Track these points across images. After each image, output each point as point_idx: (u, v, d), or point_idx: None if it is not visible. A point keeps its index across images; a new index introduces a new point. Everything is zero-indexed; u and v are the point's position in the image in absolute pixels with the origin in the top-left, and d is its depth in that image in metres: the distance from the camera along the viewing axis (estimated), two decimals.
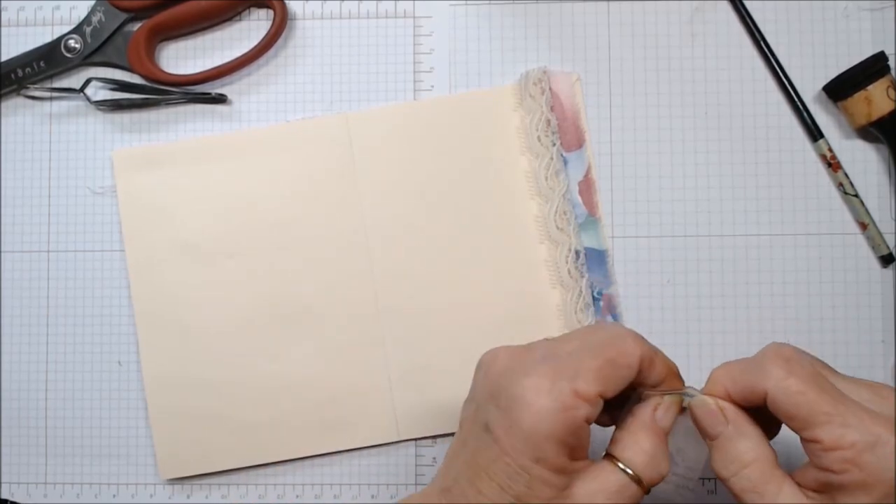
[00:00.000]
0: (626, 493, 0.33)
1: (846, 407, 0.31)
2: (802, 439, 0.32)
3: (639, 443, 0.33)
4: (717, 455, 0.33)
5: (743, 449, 0.33)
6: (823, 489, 0.32)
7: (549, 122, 0.49)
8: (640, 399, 0.35)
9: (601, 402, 0.33)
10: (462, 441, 0.35)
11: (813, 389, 0.31)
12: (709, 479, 0.48)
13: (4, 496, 0.50)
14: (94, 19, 0.50)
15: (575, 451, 0.33)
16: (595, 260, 0.49)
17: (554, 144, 0.49)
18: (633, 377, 0.33)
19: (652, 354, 0.34)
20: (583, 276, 0.48)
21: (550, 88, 0.49)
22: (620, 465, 0.33)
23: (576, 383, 0.32)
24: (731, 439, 0.33)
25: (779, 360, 0.32)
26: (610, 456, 0.34)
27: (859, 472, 0.30)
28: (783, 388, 0.32)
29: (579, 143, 0.49)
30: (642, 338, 0.34)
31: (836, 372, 0.34)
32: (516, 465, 0.32)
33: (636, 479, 0.33)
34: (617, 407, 0.35)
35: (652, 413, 0.34)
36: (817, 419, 0.31)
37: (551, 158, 0.49)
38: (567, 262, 0.48)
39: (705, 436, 0.34)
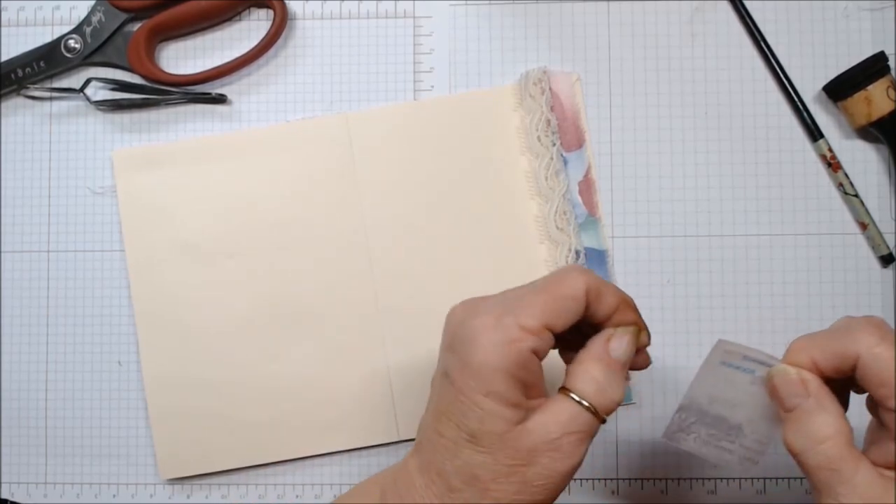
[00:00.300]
0: (578, 422, 0.33)
1: None
2: (888, 409, 0.31)
3: (589, 372, 0.34)
4: (792, 428, 0.32)
5: (822, 423, 0.32)
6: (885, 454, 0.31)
7: (549, 122, 0.49)
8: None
9: (550, 336, 0.33)
10: (429, 398, 0.36)
11: None
12: (708, 478, 0.48)
13: (4, 496, 0.50)
14: (94, 19, 0.50)
15: (529, 388, 0.33)
16: (595, 260, 0.49)
17: (554, 144, 0.49)
18: (580, 309, 0.34)
19: (599, 285, 0.34)
20: None
21: (550, 88, 0.49)
22: (573, 396, 0.33)
23: (520, 317, 0.33)
24: (811, 412, 0.32)
25: (870, 326, 0.32)
26: (563, 389, 0.34)
27: None
28: (876, 353, 0.31)
29: (579, 143, 0.49)
30: (590, 271, 0.34)
31: None
32: (469, 401, 0.32)
33: (590, 410, 0.33)
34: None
35: (604, 344, 0.34)
36: None
37: (551, 158, 0.49)
38: (567, 262, 0.48)
39: (782, 407, 0.33)
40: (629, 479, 0.48)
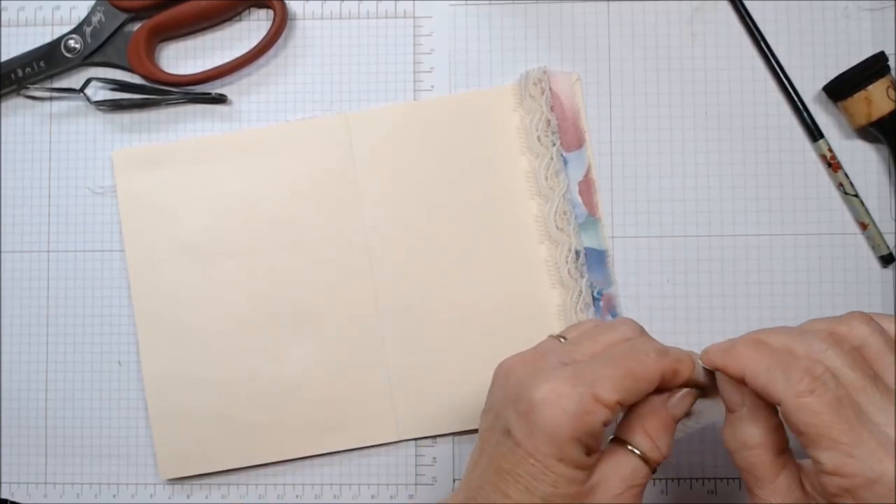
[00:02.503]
0: (639, 475, 0.34)
1: (860, 436, 0.30)
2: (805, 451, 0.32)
3: (646, 426, 0.35)
4: (728, 428, 0.34)
5: (750, 433, 0.34)
6: (822, 497, 0.32)
7: (549, 122, 0.49)
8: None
9: (619, 410, 0.34)
10: (481, 450, 0.36)
11: (831, 412, 0.30)
12: (708, 478, 0.48)
13: (4, 496, 0.50)
14: (94, 19, 0.50)
15: (591, 449, 0.34)
16: (595, 260, 0.49)
17: (554, 144, 0.49)
18: (652, 389, 0.35)
19: (674, 366, 0.35)
20: (583, 277, 0.48)
21: (550, 88, 0.49)
22: (630, 448, 0.35)
23: (595, 389, 0.33)
24: (743, 420, 0.34)
25: (807, 375, 0.31)
26: (619, 440, 0.35)
27: (853, 502, 0.30)
28: (798, 404, 0.31)
29: (579, 143, 0.49)
30: (665, 350, 0.35)
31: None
32: (541, 465, 0.33)
33: (644, 460, 0.34)
34: None
35: (665, 400, 0.36)
36: (823, 442, 0.30)
37: (551, 158, 0.49)
38: (567, 262, 0.48)
39: (726, 406, 0.35)
40: None
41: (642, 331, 0.37)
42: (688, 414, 0.37)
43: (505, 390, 0.36)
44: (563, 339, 0.38)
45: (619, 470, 0.34)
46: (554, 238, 0.49)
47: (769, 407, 0.34)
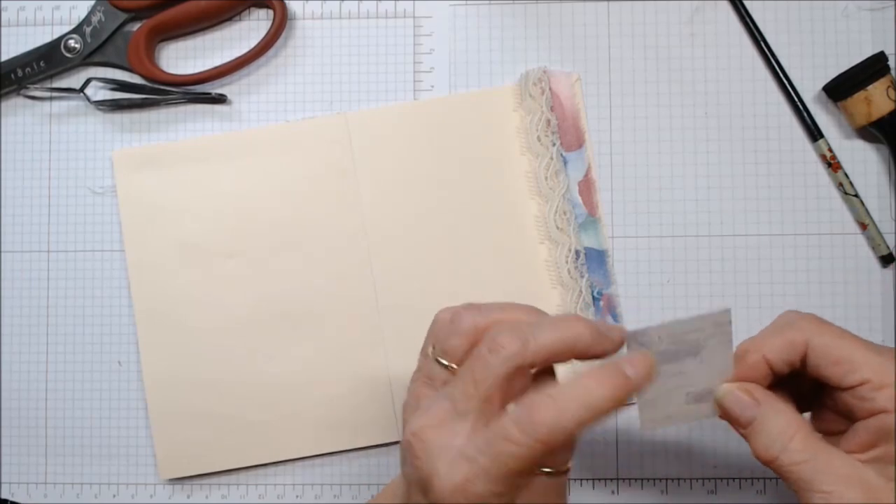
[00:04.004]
0: (551, 490, 0.32)
1: (880, 349, 0.31)
2: (846, 389, 0.31)
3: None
4: (757, 439, 0.32)
5: (783, 423, 0.32)
6: (873, 443, 0.31)
7: (549, 122, 0.49)
8: None
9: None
10: (401, 479, 0.34)
11: (847, 335, 0.32)
12: (708, 478, 0.48)
13: (4, 496, 0.50)
14: (94, 19, 0.50)
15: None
16: (595, 260, 0.49)
17: (554, 144, 0.49)
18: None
19: (597, 333, 0.31)
20: (583, 277, 0.48)
21: (550, 88, 0.49)
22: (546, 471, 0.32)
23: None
24: (768, 418, 0.32)
25: (809, 318, 0.33)
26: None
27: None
28: (822, 337, 0.32)
29: (579, 143, 0.49)
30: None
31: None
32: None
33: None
34: None
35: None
36: (860, 360, 0.31)
37: (551, 158, 0.49)
38: (567, 262, 0.48)
39: (739, 425, 0.33)
40: (629, 479, 0.48)
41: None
42: (700, 398, 0.34)
43: (412, 468, 0.32)
44: (442, 363, 0.34)
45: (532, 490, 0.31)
46: (554, 238, 0.49)
47: (779, 397, 0.33)
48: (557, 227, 0.49)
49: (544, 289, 0.49)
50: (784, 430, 0.32)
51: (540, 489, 0.31)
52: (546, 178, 0.49)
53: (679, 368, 0.33)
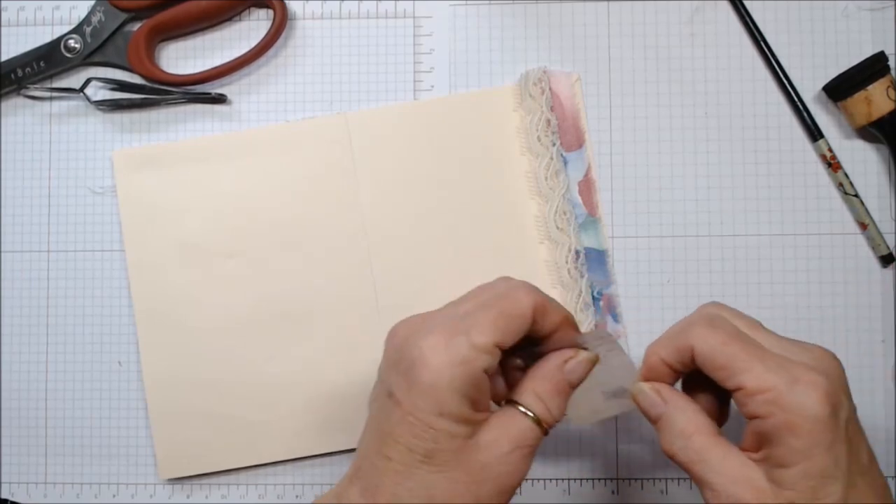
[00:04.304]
0: (528, 436, 0.34)
1: (766, 355, 0.33)
2: (731, 392, 0.33)
3: (539, 390, 0.35)
4: (662, 434, 0.35)
5: (683, 422, 0.34)
6: (760, 444, 0.33)
7: (549, 122, 0.49)
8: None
9: (498, 353, 0.34)
10: (367, 421, 0.36)
11: (735, 342, 0.33)
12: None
13: (4, 496, 0.50)
14: (94, 19, 0.50)
15: (476, 403, 0.34)
16: (595, 260, 0.49)
17: (554, 144, 0.49)
18: (527, 326, 0.35)
19: (545, 302, 0.35)
20: (583, 276, 0.48)
21: (550, 88, 0.49)
22: (521, 409, 0.34)
23: (471, 336, 0.33)
24: (672, 416, 0.35)
25: (703, 319, 0.34)
26: (511, 402, 0.35)
27: (783, 412, 0.31)
28: (707, 342, 0.34)
29: (579, 143, 0.49)
30: (535, 288, 0.36)
31: (769, 331, 0.35)
32: (421, 422, 0.33)
33: (536, 422, 0.34)
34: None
35: (561, 365, 0.36)
36: (740, 366, 0.33)
37: (551, 158, 0.49)
38: (567, 262, 0.48)
39: (650, 420, 0.36)
40: (629, 479, 0.48)
41: (522, 281, 0.37)
42: (615, 395, 0.38)
43: (388, 353, 0.35)
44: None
45: (507, 430, 0.34)
46: (554, 238, 0.49)
47: (688, 398, 0.36)
48: (557, 227, 0.49)
49: (544, 288, 0.49)
50: (684, 428, 0.34)
51: (511, 431, 0.34)
52: (546, 178, 0.49)
53: (591, 372, 0.37)
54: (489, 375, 0.34)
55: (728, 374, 0.33)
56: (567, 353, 0.36)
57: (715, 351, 0.34)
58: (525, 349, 0.37)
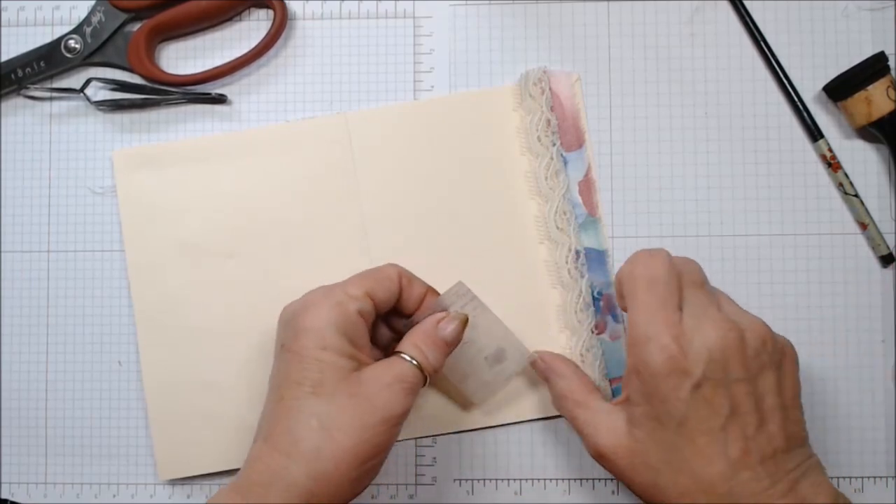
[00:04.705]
0: (408, 374, 0.40)
1: (657, 311, 0.37)
2: None
3: (417, 343, 0.41)
4: (551, 397, 0.44)
5: (560, 386, 0.43)
6: (626, 380, 0.39)
7: (549, 121, 0.49)
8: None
9: (370, 302, 0.41)
10: (269, 382, 0.41)
11: (643, 283, 0.38)
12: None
13: (4, 496, 0.50)
14: (94, 19, 0.50)
15: (355, 343, 0.40)
16: (595, 260, 0.49)
17: (554, 144, 0.49)
18: (396, 289, 0.42)
19: (409, 274, 0.43)
20: (583, 277, 0.48)
21: (550, 88, 0.49)
22: (403, 356, 0.40)
23: (345, 287, 0.41)
24: (553, 382, 0.44)
25: (639, 261, 0.39)
26: (395, 353, 0.41)
27: (634, 358, 0.38)
28: (625, 272, 0.39)
29: (579, 143, 0.49)
30: (401, 267, 0.43)
31: (715, 300, 0.39)
32: (308, 357, 0.38)
33: (417, 367, 0.40)
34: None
35: (434, 323, 0.42)
36: (630, 305, 0.38)
37: (551, 158, 0.49)
38: (567, 263, 0.48)
39: (545, 381, 0.45)
40: None
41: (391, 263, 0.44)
42: (497, 359, 0.45)
43: (279, 324, 0.42)
44: None
45: (391, 367, 0.40)
46: (554, 238, 0.49)
47: (569, 363, 0.44)
48: (557, 227, 0.49)
49: (544, 289, 0.49)
50: (561, 391, 0.43)
51: (393, 368, 0.39)
52: (546, 178, 0.49)
53: (464, 338, 0.43)
54: (365, 320, 0.40)
55: (623, 304, 0.40)
56: (440, 314, 0.42)
57: (624, 280, 0.39)
58: (399, 323, 0.44)
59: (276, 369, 0.40)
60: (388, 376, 0.39)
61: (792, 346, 0.39)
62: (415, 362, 0.40)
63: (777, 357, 0.38)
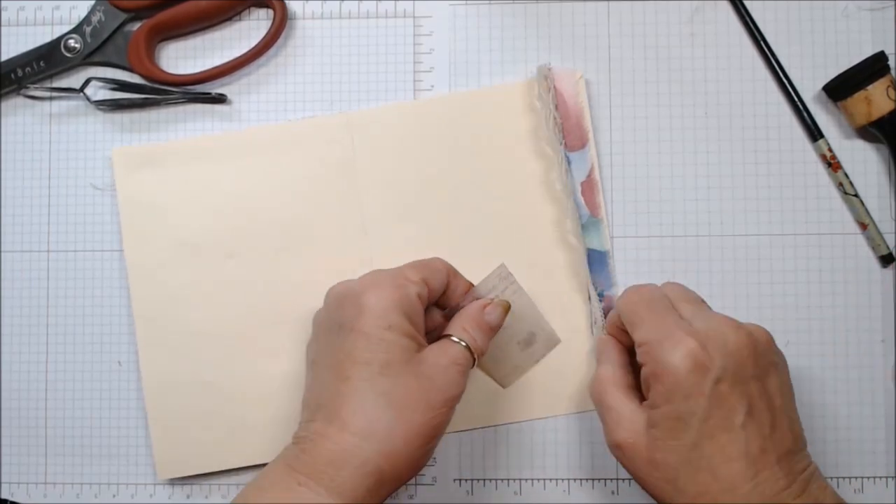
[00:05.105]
0: (460, 357, 0.41)
1: (660, 317, 0.39)
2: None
3: (465, 327, 0.42)
4: (592, 383, 0.43)
5: (602, 371, 0.42)
6: (646, 390, 0.39)
7: (554, 119, 0.48)
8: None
9: (426, 288, 0.42)
10: (313, 363, 0.42)
11: (642, 304, 0.40)
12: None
13: (4, 496, 0.50)
14: (94, 19, 0.50)
15: (415, 324, 0.40)
16: (597, 261, 0.49)
17: (560, 143, 0.48)
18: (445, 279, 0.43)
19: (455, 270, 0.44)
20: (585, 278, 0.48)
21: (555, 86, 0.49)
22: (453, 339, 0.41)
23: (403, 272, 0.42)
24: (600, 365, 0.43)
25: (634, 288, 0.42)
26: (445, 336, 0.42)
27: (653, 363, 0.38)
28: (622, 303, 0.42)
29: (582, 143, 0.49)
30: (446, 261, 0.45)
31: (703, 308, 0.41)
32: (375, 336, 0.39)
33: (466, 348, 0.41)
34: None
35: (480, 309, 0.43)
36: (636, 322, 0.40)
37: (561, 159, 0.49)
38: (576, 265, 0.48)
39: (597, 362, 0.45)
40: (629, 479, 0.48)
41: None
42: (528, 343, 0.47)
43: (327, 307, 0.42)
44: None
45: (445, 350, 0.41)
46: (556, 238, 0.49)
47: (621, 354, 0.43)
48: (560, 228, 0.49)
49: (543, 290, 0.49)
50: (601, 378, 0.42)
51: (448, 351, 0.41)
52: (550, 178, 0.49)
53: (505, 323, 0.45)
54: (422, 304, 0.41)
55: (631, 329, 0.41)
56: (484, 300, 0.44)
57: (624, 309, 0.41)
58: (436, 314, 0.45)
59: (335, 348, 0.40)
60: (444, 358, 0.40)
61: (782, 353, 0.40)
62: (464, 344, 0.41)
63: (778, 360, 0.39)
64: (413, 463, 0.39)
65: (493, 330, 0.43)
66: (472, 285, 0.45)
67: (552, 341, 0.48)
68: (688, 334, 0.37)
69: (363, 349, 0.39)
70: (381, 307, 0.39)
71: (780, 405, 0.38)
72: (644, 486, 0.39)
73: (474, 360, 0.42)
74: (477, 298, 0.44)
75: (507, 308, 0.44)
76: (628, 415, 0.39)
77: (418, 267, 0.42)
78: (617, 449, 0.40)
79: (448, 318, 0.44)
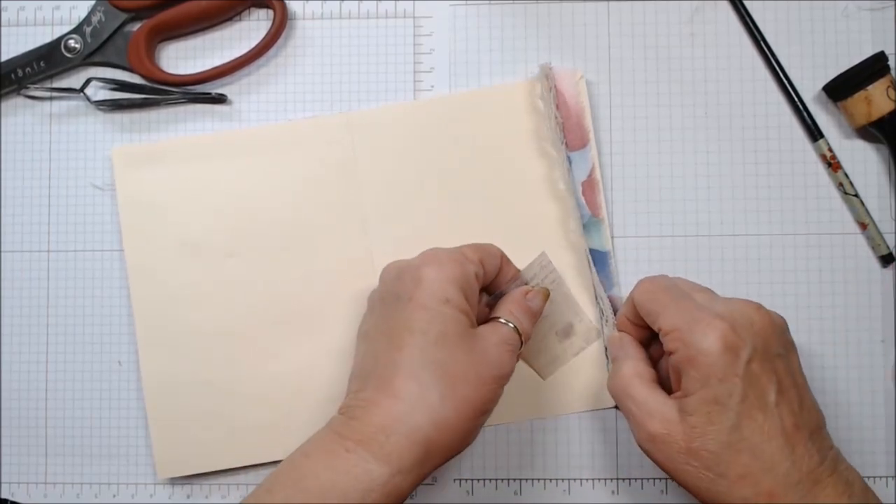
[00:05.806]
0: (510, 337, 0.41)
1: (682, 303, 0.40)
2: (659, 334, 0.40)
3: (511, 310, 0.43)
4: (611, 374, 0.43)
5: (626, 367, 0.42)
6: (677, 379, 0.39)
7: (556, 118, 0.48)
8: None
9: (482, 267, 0.42)
10: (365, 335, 0.42)
11: (661, 291, 0.41)
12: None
13: (4, 496, 0.50)
14: (94, 19, 0.50)
15: (471, 302, 0.41)
16: (598, 261, 0.49)
17: (562, 142, 0.48)
18: (498, 263, 0.44)
19: (507, 257, 0.45)
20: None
21: (555, 86, 0.49)
22: (502, 320, 0.42)
23: (462, 250, 0.42)
24: (620, 360, 0.43)
25: (648, 279, 0.43)
26: (494, 318, 0.43)
27: (685, 348, 0.38)
28: (640, 292, 0.42)
29: (583, 143, 0.49)
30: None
31: (713, 295, 0.41)
32: (433, 308, 0.39)
33: (516, 330, 0.42)
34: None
35: (523, 295, 0.44)
36: (658, 310, 0.40)
37: (557, 157, 0.49)
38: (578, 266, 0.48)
39: (611, 356, 0.45)
40: (629, 479, 0.48)
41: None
42: (566, 334, 0.48)
43: (385, 281, 0.43)
44: None
45: (496, 330, 0.41)
46: (558, 238, 0.49)
47: (640, 348, 0.43)
48: (562, 228, 0.49)
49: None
50: (625, 372, 0.41)
51: (499, 331, 0.41)
52: (552, 178, 0.49)
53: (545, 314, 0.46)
54: (478, 284, 0.42)
55: (652, 319, 0.41)
56: (526, 287, 0.45)
57: (643, 298, 0.42)
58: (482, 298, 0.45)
59: (393, 319, 0.40)
60: (495, 337, 0.41)
61: None
62: (512, 325, 0.42)
63: (792, 341, 0.41)
64: (462, 436, 0.39)
65: (536, 315, 0.44)
66: (519, 272, 0.46)
67: (591, 334, 0.48)
68: (716, 317, 0.38)
69: (420, 319, 0.39)
70: (441, 281, 0.40)
71: (803, 383, 0.39)
72: (678, 478, 0.38)
73: (521, 342, 0.42)
74: (520, 285, 0.45)
75: (546, 295, 0.45)
76: (659, 406, 0.39)
77: (476, 248, 0.43)
78: (650, 442, 0.39)
79: (490, 305, 0.45)
